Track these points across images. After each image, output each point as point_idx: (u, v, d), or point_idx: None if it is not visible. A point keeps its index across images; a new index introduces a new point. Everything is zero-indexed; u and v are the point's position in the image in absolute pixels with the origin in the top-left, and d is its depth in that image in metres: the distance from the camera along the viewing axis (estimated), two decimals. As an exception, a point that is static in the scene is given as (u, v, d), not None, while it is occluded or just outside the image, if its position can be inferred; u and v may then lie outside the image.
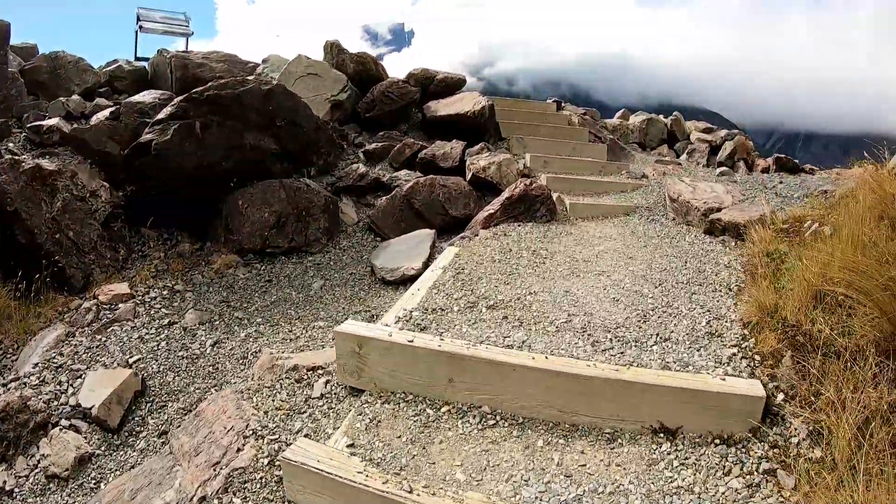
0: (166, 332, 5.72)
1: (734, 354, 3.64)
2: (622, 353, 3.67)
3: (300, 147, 8.04)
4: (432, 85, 10.81)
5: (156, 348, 5.49)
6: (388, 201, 7.74)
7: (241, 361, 5.19)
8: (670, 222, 7.05)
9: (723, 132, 11.71)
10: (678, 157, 11.65)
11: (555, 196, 7.32)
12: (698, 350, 3.70)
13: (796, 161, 10.42)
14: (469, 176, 8.21)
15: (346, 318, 5.66)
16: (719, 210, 6.60)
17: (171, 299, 6.24)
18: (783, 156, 10.31)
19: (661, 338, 3.86)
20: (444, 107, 10.14)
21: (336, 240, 7.55)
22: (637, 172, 9.20)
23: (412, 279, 6.09)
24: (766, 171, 10.57)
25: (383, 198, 7.93)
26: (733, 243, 6.08)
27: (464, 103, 9.92)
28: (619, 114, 13.81)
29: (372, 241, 7.58)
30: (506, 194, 6.94)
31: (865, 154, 6.53)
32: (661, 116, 12.75)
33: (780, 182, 8.53)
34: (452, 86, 10.88)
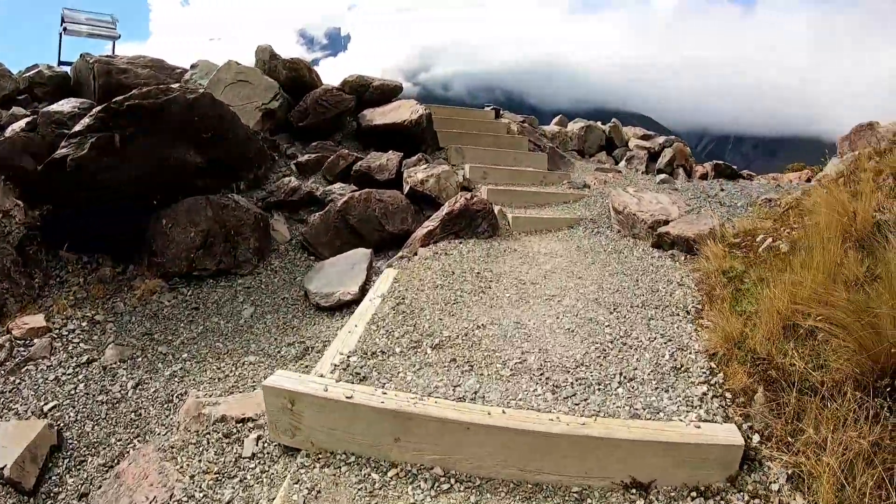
0: (85, 371, 5.06)
1: (705, 394, 3.29)
2: (586, 399, 3.26)
3: (228, 160, 7.42)
4: (367, 92, 10.26)
5: (73, 392, 4.83)
6: (322, 218, 7.19)
7: (165, 406, 4.59)
8: (616, 235, 6.73)
9: (661, 139, 11.51)
10: (617, 163, 11.41)
11: (496, 209, 6.92)
12: (666, 391, 3.33)
13: (734, 167, 10.29)
14: (407, 189, 7.71)
15: (279, 351, 5.14)
16: (666, 222, 6.31)
17: (90, 332, 5.58)
18: (721, 162, 10.18)
19: (625, 377, 3.47)
20: (379, 115, 9.60)
21: (268, 260, 6.97)
22: (578, 182, 8.87)
23: (348, 305, 5.61)
24: (704, 177, 10.42)
25: (316, 214, 7.37)
26: (683, 257, 5.80)
27: (400, 112, 9.40)
28: (555, 120, 13.53)
29: (305, 261, 7.02)
30: (445, 209, 6.49)
31: (821, 162, 6.36)
32: (599, 123, 12.47)
33: (722, 189, 8.33)
34: (389, 93, 10.35)
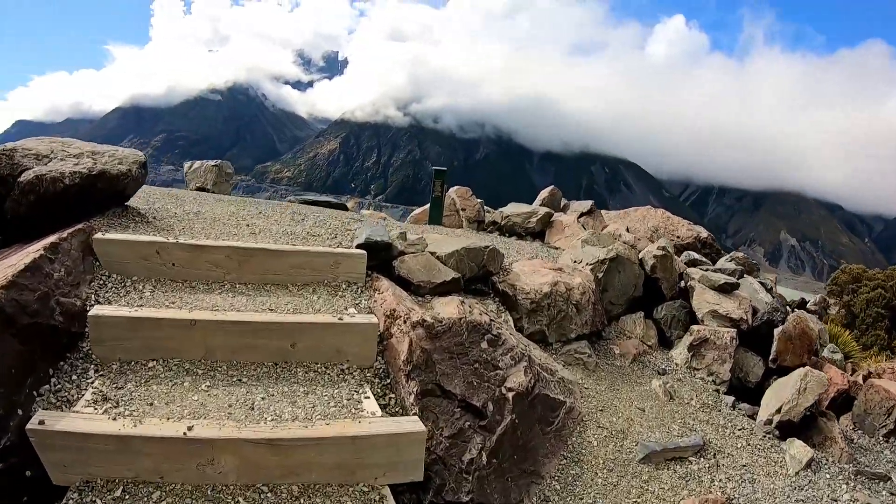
0: None
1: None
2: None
3: None
4: (16, 191, 3.58)
5: None
6: None
7: None
8: None
9: (759, 299, 4.69)
10: (664, 374, 4.58)
11: None
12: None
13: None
14: None
15: None
16: None
17: None
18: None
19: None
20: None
21: None
22: None
23: None
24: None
25: None
26: None
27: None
28: (543, 195, 6.90)
29: None
30: None
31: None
32: (633, 252, 5.35)
33: None
34: (100, 190, 3.54)
